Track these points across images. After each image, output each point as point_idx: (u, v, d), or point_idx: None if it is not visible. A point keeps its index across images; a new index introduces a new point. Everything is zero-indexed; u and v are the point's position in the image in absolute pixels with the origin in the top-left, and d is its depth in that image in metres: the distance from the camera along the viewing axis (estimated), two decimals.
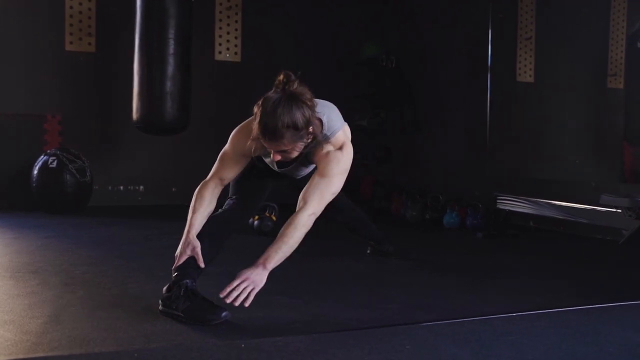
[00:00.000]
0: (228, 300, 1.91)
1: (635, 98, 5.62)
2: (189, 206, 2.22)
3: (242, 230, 3.24)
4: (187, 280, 2.06)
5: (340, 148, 2.18)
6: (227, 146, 2.27)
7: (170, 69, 4.54)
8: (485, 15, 5.39)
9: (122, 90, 5.56)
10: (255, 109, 2.02)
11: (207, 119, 5.56)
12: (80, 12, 5.48)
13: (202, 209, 2.19)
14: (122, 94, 5.57)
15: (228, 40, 5.96)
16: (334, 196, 2.15)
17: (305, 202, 2.06)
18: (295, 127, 1.96)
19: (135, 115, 4.70)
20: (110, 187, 5.60)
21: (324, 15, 6.25)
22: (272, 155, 2.07)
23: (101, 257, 3.10)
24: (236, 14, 5.97)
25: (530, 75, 6.10)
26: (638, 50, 5.60)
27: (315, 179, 2.11)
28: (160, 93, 4.55)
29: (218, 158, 2.28)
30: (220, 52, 5.94)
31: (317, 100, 2.18)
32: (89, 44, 5.52)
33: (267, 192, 2.49)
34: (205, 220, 2.22)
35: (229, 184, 2.37)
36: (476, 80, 5.48)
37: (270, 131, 1.94)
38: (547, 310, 2.09)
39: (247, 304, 1.91)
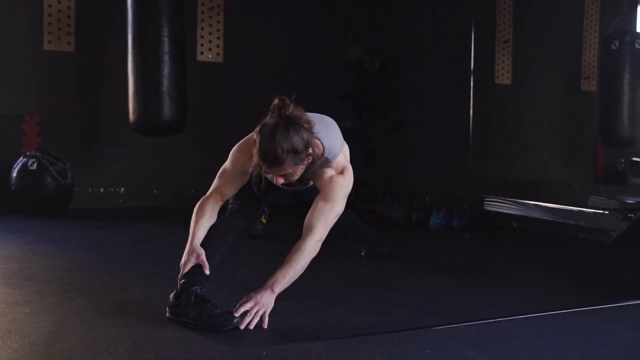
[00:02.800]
0: (242, 326, 1.94)
1: (608, 99, 5.75)
2: (192, 218, 2.22)
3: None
4: (196, 287, 2.04)
5: (342, 172, 2.22)
6: (227, 163, 2.26)
7: (167, 68, 4.47)
8: (468, 18, 5.46)
9: (103, 90, 5.48)
10: (254, 136, 2.02)
11: (188, 120, 5.49)
12: (59, 11, 5.37)
13: (203, 220, 2.19)
14: (103, 94, 5.49)
15: (210, 41, 5.91)
16: (337, 219, 2.20)
17: (311, 229, 2.10)
18: (295, 151, 1.96)
19: (131, 117, 4.60)
20: (90, 189, 5.50)
21: (307, 16, 6.24)
22: (274, 179, 2.07)
23: (94, 262, 3.04)
24: (218, 14, 5.93)
25: (508, 78, 6.20)
26: (611, 52, 5.73)
27: (319, 204, 2.14)
28: (158, 93, 4.47)
29: (218, 174, 2.27)
30: (202, 53, 5.90)
31: (315, 115, 2.22)
32: (68, 43, 5.42)
33: (269, 198, 2.48)
34: (209, 228, 2.22)
35: None
36: (459, 82, 5.54)
37: (271, 158, 1.95)
38: (553, 312, 2.13)
39: (265, 326, 1.97)
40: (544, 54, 6.19)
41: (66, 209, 4.88)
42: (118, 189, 5.62)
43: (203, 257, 2.11)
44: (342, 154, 2.24)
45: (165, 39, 4.53)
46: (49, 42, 5.36)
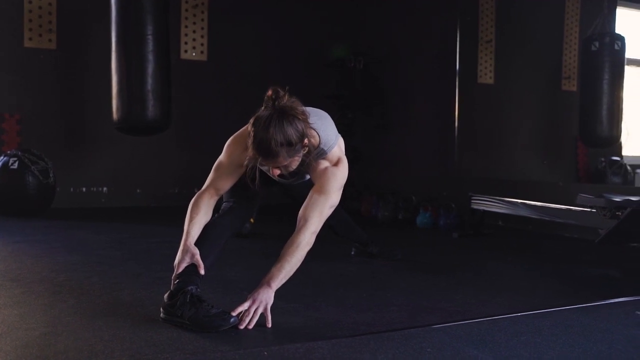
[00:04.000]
0: (242, 326, 1.91)
1: (588, 100, 5.82)
2: (186, 215, 2.17)
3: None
4: (191, 287, 2.01)
5: (337, 163, 2.21)
6: (222, 157, 2.22)
7: (151, 66, 4.41)
8: (453, 18, 5.48)
9: (86, 88, 5.40)
10: (249, 128, 1.99)
11: (172, 119, 5.43)
12: (40, 7, 5.28)
13: (198, 217, 2.15)
14: (86, 92, 5.41)
15: (194, 39, 5.86)
16: (332, 210, 2.17)
17: (306, 221, 2.07)
18: (289, 143, 1.94)
19: (115, 115, 4.52)
20: (72, 189, 5.41)
21: (291, 15, 6.22)
22: (271, 171, 2.04)
23: (81, 263, 2.98)
24: (202, 12, 5.88)
25: (490, 77, 6.24)
26: (591, 53, 5.80)
27: (314, 196, 2.12)
28: (142, 92, 4.40)
29: (213, 168, 2.23)
30: (186, 51, 5.84)
31: (310, 109, 2.19)
32: (50, 40, 5.32)
33: (263, 196, 2.46)
34: (203, 227, 2.19)
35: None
36: (444, 81, 5.56)
37: (265, 150, 1.93)
38: (548, 309, 2.14)
39: (268, 325, 1.94)
40: (526, 54, 6.26)
41: (48, 209, 4.79)
42: (100, 189, 5.54)
43: (198, 257, 2.08)
44: (337, 145, 2.23)
45: (150, 37, 4.47)
46: (30, 39, 5.26)
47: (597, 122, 5.84)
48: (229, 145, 2.21)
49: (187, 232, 2.13)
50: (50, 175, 4.74)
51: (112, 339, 1.81)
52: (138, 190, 5.71)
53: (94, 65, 5.29)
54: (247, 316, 1.92)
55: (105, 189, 5.57)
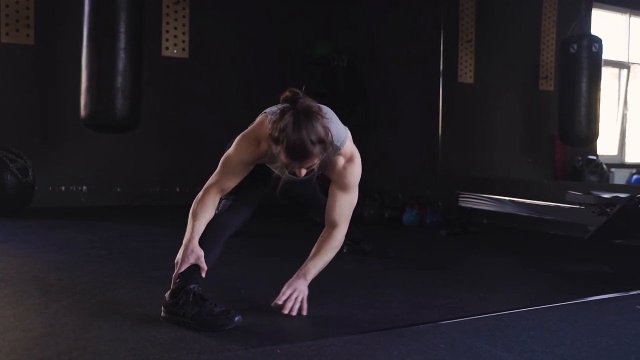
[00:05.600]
0: (286, 311, 2.02)
1: (567, 100, 5.90)
2: (190, 213, 2.11)
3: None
4: (194, 285, 1.97)
5: (351, 158, 2.21)
6: (231, 154, 2.15)
7: (122, 63, 4.31)
8: (437, 18, 5.50)
9: (64, 85, 5.28)
10: (269, 130, 1.92)
11: (153, 117, 5.34)
12: (17, 2, 5.14)
13: (203, 215, 2.11)
14: (64, 89, 5.28)
15: (175, 36, 5.78)
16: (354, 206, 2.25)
17: (336, 225, 2.20)
18: (321, 141, 1.90)
19: (83, 112, 4.42)
20: (51, 188, 5.29)
21: (274, 12, 6.18)
22: (297, 172, 1.96)
23: (69, 262, 2.90)
24: (184, 8, 5.80)
25: (470, 77, 6.29)
26: (570, 54, 5.88)
27: (338, 195, 2.19)
28: (111, 89, 4.31)
29: (220, 165, 2.17)
30: (167, 48, 5.75)
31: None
32: (27, 35, 5.19)
33: (262, 193, 2.42)
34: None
35: None
36: (428, 80, 5.59)
37: (301, 153, 1.88)
38: (550, 305, 2.15)
39: (304, 312, 2.05)
40: (505, 54, 6.32)
41: (27, 208, 4.67)
42: (80, 188, 5.43)
43: (202, 259, 2.04)
44: (348, 139, 2.21)
45: (122, 34, 4.38)
46: (7, 34, 5.12)
47: (576, 121, 5.93)
48: (239, 143, 2.14)
49: (192, 231, 2.07)
50: (30, 174, 4.63)
51: (114, 339, 1.76)
52: (118, 189, 5.61)
53: (72, 61, 5.16)
54: (290, 302, 2.04)
55: (85, 187, 5.45)
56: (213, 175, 2.17)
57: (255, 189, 2.36)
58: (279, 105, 2.01)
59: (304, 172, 1.97)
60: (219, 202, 2.29)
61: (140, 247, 3.44)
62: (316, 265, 2.15)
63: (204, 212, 2.10)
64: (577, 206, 3.37)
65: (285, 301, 2.05)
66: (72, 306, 2.12)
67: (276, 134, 1.89)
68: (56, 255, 3.08)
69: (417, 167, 5.59)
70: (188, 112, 5.88)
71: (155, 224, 4.47)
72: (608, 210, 3.16)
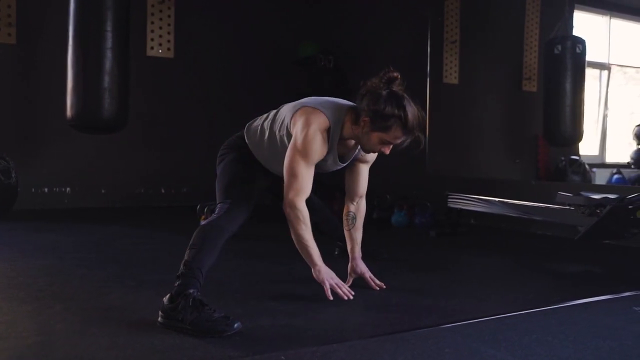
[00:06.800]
0: (377, 288, 2.42)
1: (551, 101, 5.95)
2: (297, 231, 2.17)
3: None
4: (193, 290, 1.93)
5: None
6: (304, 156, 2.12)
7: (109, 63, 4.24)
8: (424, 19, 5.51)
9: (47, 85, 5.19)
10: (375, 108, 2.08)
11: (138, 117, 5.27)
12: None
13: (310, 231, 2.19)
14: (47, 89, 5.20)
15: (160, 36, 5.71)
16: None
17: (363, 194, 2.52)
18: None
19: (69, 112, 4.33)
20: (33, 189, 5.19)
21: (259, 12, 6.14)
22: (386, 150, 2.17)
23: (57, 267, 2.84)
24: (169, 8, 5.73)
25: (455, 78, 6.31)
26: (554, 55, 5.93)
27: (363, 170, 2.46)
28: (99, 89, 4.23)
29: (297, 170, 2.13)
30: (152, 48, 5.68)
31: (325, 99, 2.29)
32: (9, 34, 5.09)
33: (258, 197, 2.39)
34: (200, 229, 2.12)
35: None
36: (414, 81, 5.57)
37: (419, 125, 2.10)
38: (549, 307, 2.16)
39: (384, 286, 2.43)
40: (489, 55, 6.35)
41: (10, 211, 4.58)
42: (64, 189, 5.34)
43: (334, 275, 2.25)
44: None
45: (109, 33, 4.30)
46: None
47: (560, 122, 5.98)
48: (312, 142, 2.12)
49: (316, 253, 2.21)
50: (13, 175, 4.53)
51: (112, 347, 1.72)
52: (103, 191, 5.52)
53: (55, 60, 5.07)
54: (371, 280, 2.44)
55: (68, 189, 5.36)
56: (291, 185, 2.14)
57: (251, 193, 2.33)
58: (307, 101, 2.19)
59: (388, 150, 2.16)
60: (216, 207, 2.27)
61: (129, 250, 3.39)
62: (359, 240, 2.49)
63: (309, 226, 2.17)
64: (567, 207, 3.39)
65: (368, 282, 2.41)
66: (65, 312, 2.07)
67: (396, 111, 2.05)
68: (44, 259, 3.02)
69: (404, 168, 5.58)
70: (173, 113, 5.82)
71: (142, 226, 4.41)
72: (598, 211, 3.18)
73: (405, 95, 2.10)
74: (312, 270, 2.22)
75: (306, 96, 5.56)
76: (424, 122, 2.13)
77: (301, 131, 2.13)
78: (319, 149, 2.14)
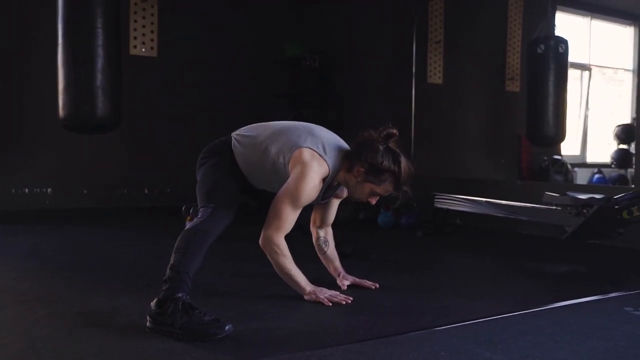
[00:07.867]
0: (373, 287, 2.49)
1: (535, 101, 5.97)
2: (280, 263, 2.22)
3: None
4: (182, 294, 1.89)
5: None
6: (296, 202, 2.15)
7: (101, 61, 4.16)
8: (409, 19, 5.50)
9: (28, 83, 5.10)
10: (372, 162, 2.15)
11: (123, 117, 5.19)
12: None
13: (292, 263, 2.23)
14: (28, 87, 5.11)
15: (144, 34, 5.64)
16: None
17: (331, 223, 2.54)
18: None
19: (61, 112, 4.23)
20: (14, 190, 5.09)
21: (244, 11, 6.10)
22: (372, 200, 2.26)
23: (41, 269, 2.79)
24: (152, 6, 5.66)
25: (439, 77, 6.32)
26: (537, 55, 5.95)
27: (335, 204, 2.49)
28: (91, 88, 4.14)
29: (284, 214, 2.15)
30: (135, 47, 5.61)
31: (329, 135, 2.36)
32: None
33: (240, 202, 2.34)
34: (184, 233, 2.08)
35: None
36: (399, 81, 5.58)
37: (408, 181, 2.20)
38: (541, 308, 2.15)
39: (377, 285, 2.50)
40: (472, 55, 6.38)
41: None
42: (45, 190, 5.24)
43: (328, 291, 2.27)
44: None
45: (99, 30, 4.22)
46: None
47: (544, 122, 5.99)
48: (309, 191, 2.15)
49: (302, 278, 2.25)
50: None
51: (100, 353, 1.68)
52: (85, 191, 5.44)
53: (36, 58, 5.00)
54: (364, 281, 2.52)
55: (49, 189, 5.27)
56: (273, 224, 2.17)
57: (234, 197, 2.28)
58: (314, 141, 2.20)
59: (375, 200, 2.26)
60: (198, 211, 2.22)
61: (113, 252, 3.33)
62: (336, 256, 2.58)
63: (289, 256, 2.21)
64: (554, 207, 3.41)
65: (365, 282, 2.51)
66: (51, 317, 2.02)
67: (392, 167, 2.15)
68: (26, 261, 2.96)
69: None
70: (156, 113, 5.75)
71: (125, 227, 4.35)
72: (585, 211, 3.20)
73: (401, 152, 2.20)
74: (304, 295, 2.24)
75: (293, 96, 5.53)
76: (413, 178, 2.20)
77: (301, 178, 2.14)
78: (312, 196, 2.19)
